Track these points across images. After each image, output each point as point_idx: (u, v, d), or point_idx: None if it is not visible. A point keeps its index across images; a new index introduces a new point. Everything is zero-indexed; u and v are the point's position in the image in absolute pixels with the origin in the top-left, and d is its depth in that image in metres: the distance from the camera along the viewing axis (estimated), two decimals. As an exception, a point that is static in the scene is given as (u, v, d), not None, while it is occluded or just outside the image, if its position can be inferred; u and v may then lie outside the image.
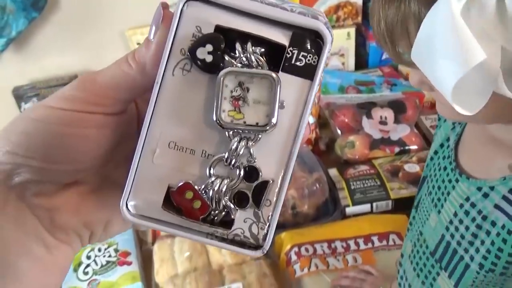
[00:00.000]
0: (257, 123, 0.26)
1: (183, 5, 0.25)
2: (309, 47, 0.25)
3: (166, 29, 0.25)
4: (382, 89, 1.38)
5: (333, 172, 1.18)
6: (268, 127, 0.25)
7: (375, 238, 1.00)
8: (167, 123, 0.26)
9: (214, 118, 0.25)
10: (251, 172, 0.26)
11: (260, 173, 0.26)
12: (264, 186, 0.26)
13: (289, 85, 0.26)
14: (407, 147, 1.23)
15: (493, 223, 0.54)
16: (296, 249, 0.97)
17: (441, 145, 0.69)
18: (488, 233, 0.55)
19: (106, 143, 0.28)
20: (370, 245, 0.98)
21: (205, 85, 0.26)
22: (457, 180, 0.61)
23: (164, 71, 0.26)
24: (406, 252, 0.73)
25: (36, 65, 1.39)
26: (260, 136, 0.26)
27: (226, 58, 0.25)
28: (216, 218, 0.27)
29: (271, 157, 0.26)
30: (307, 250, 0.97)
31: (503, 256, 0.54)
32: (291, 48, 0.25)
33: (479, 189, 0.57)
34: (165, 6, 0.26)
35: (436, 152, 0.70)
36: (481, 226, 0.56)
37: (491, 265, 0.55)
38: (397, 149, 1.22)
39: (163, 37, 0.25)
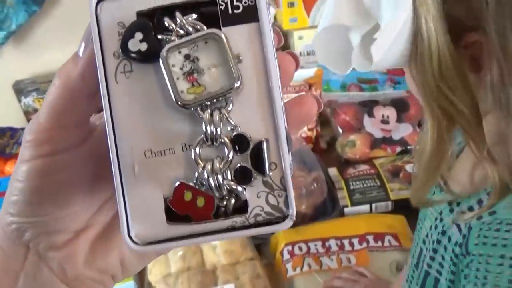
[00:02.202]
0: (221, 88, 0.23)
1: (95, 9, 0.23)
2: None
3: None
4: (385, 87, 1.35)
5: (333, 171, 1.16)
6: (234, 86, 0.23)
7: (370, 238, 0.97)
8: (133, 133, 0.24)
9: (176, 103, 0.23)
10: (240, 141, 0.23)
11: (249, 138, 0.23)
12: (259, 148, 0.23)
13: (238, 36, 0.23)
14: (409, 147, 1.20)
15: (449, 239, 0.54)
16: (289, 247, 0.95)
17: None
18: (445, 248, 0.54)
19: (83, 178, 0.26)
20: (365, 244, 0.96)
21: (154, 77, 0.24)
22: (434, 193, 0.61)
23: (106, 82, 0.23)
24: (408, 263, 0.73)
25: (37, 59, 1.39)
26: (231, 98, 0.23)
27: (160, 37, 0.23)
28: (228, 208, 0.24)
29: (254, 117, 0.23)
30: (300, 248, 0.95)
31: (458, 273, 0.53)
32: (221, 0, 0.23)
33: (449, 203, 0.57)
34: None
35: None
36: (440, 241, 0.55)
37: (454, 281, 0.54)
38: (398, 149, 1.20)
39: (93, 53, 0.23)
